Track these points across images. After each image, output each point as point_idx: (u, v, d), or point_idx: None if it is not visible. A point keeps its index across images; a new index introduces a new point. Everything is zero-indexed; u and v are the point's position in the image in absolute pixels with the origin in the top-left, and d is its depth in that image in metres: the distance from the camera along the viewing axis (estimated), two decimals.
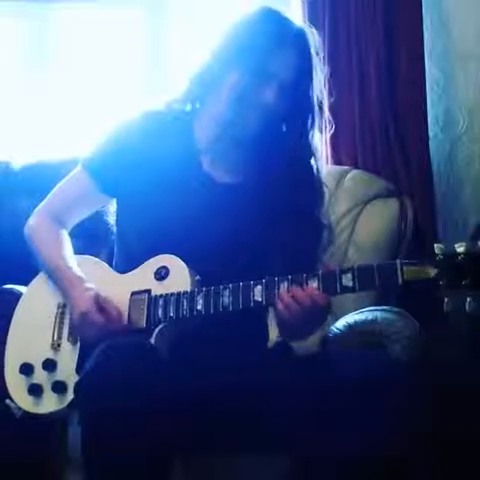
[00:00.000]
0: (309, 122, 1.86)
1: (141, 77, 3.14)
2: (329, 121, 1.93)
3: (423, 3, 2.84)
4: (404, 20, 2.84)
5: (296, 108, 1.83)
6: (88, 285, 1.81)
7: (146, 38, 3.16)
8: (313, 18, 2.86)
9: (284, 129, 1.86)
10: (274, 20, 1.82)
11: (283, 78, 1.78)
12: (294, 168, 1.86)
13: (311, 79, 1.83)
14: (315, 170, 1.90)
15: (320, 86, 1.86)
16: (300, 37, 1.82)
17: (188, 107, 1.93)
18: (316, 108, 1.85)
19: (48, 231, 1.94)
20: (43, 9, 3.14)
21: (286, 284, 1.65)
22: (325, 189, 1.91)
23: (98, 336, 1.71)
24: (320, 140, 1.88)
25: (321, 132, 1.90)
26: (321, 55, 1.86)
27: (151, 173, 1.85)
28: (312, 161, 1.89)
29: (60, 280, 1.87)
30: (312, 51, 1.83)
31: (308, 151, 1.88)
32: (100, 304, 1.76)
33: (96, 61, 3.17)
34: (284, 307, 1.64)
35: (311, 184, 1.89)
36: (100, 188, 1.93)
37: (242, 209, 1.84)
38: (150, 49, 3.16)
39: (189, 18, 3.11)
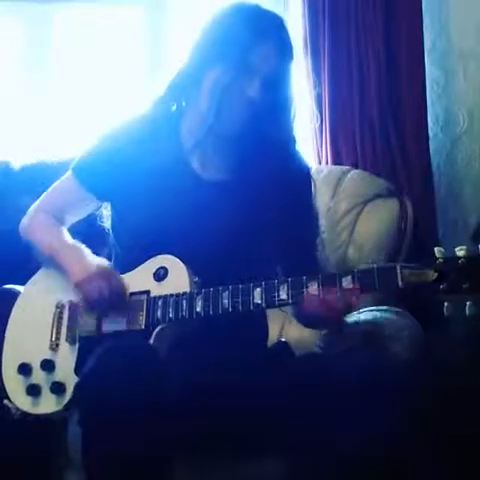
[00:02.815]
0: (292, 113, 1.86)
1: (141, 76, 3.14)
2: (315, 113, 1.94)
3: (423, 3, 2.84)
4: (404, 20, 2.85)
5: (279, 100, 1.82)
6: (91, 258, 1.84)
7: (146, 37, 3.17)
8: (313, 18, 2.87)
9: (269, 122, 1.83)
10: (252, 13, 1.81)
11: (265, 71, 1.77)
12: (282, 161, 1.86)
13: (293, 72, 1.83)
14: (301, 161, 1.92)
15: (305, 77, 1.86)
16: (279, 28, 1.81)
17: (174, 107, 1.92)
18: (301, 100, 1.86)
19: (44, 222, 1.95)
20: (43, 9, 3.14)
21: (285, 287, 1.65)
22: (311, 179, 1.93)
23: (99, 300, 1.75)
24: (311, 138, 1.89)
25: (310, 124, 1.91)
26: (308, 47, 1.85)
27: (141, 175, 1.85)
28: (297, 152, 1.91)
29: (61, 261, 1.87)
30: (291, 41, 1.82)
31: (293, 143, 1.89)
32: (102, 271, 1.78)
33: (96, 60, 3.18)
34: (311, 306, 1.63)
35: (299, 175, 1.90)
36: (90, 193, 1.93)
37: (234, 206, 1.84)
38: (150, 48, 3.16)
39: (188, 16, 3.11)
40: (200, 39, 1.84)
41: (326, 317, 1.63)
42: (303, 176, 1.91)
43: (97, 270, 1.80)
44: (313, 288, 1.62)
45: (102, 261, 1.85)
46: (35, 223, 1.97)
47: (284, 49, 1.80)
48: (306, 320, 1.78)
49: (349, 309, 1.65)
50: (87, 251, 1.87)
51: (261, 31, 1.77)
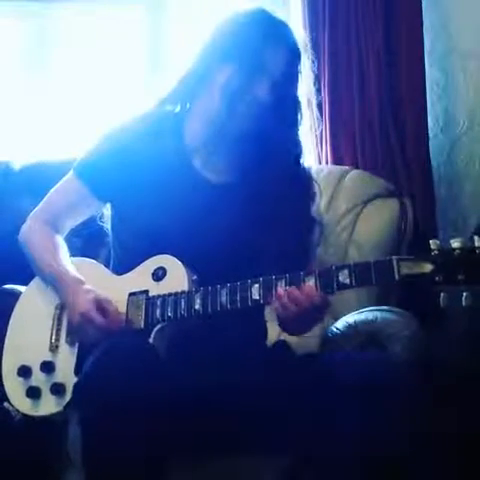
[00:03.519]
0: (298, 119, 1.87)
1: (141, 76, 3.14)
2: (317, 119, 1.96)
3: (423, 3, 2.84)
4: (404, 20, 2.84)
5: (286, 105, 1.83)
6: (87, 287, 1.81)
7: (146, 37, 3.16)
8: (313, 18, 2.87)
9: (275, 127, 1.84)
10: (266, 18, 1.83)
11: (276, 75, 1.78)
12: (285, 166, 1.87)
13: (300, 77, 1.84)
14: (305, 166, 1.93)
15: (309, 84, 1.87)
16: (291, 36, 1.83)
17: (177, 108, 1.93)
18: (304, 106, 1.87)
19: (42, 237, 1.93)
20: (43, 9, 3.14)
21: (283, 283, 1.65)
22: (315, 185, 1.93)
23: (97, 337, 1.71)
24: (311, 138, 1.89)
25: (310, 130, 1.93)
26: (309, 53, 1.87)
27: (143, 176, 1.85)
28: (301, 158, 1.91)
29: (58, 285, 1.86)
30: (301, 49, 1.84)
31: (298, 148, 1.89)
32: (99, 304, 1.76)
33: (96, 61, 3.17)
34: (281, 307, 1.64)
35: (302, 181, 1.91)
36: (93, 194, 1.92)
37: (235, 208, 1.84)
38: (150, 48, 3.16)
39: (189, 17, 3.11)
40: (210, 40, 1.85)
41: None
42: (303, 182, 1.91)
43: (92, 305, 1.76)
44: (309, 284, 1.62)
45: (94, 295, 1.79)
46: (34, 239, 1.94)
47: (295, 54, 1.82)
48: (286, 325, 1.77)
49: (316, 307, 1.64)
50: (81, 285, 1.82)
51: (274, 34, 1.80)
